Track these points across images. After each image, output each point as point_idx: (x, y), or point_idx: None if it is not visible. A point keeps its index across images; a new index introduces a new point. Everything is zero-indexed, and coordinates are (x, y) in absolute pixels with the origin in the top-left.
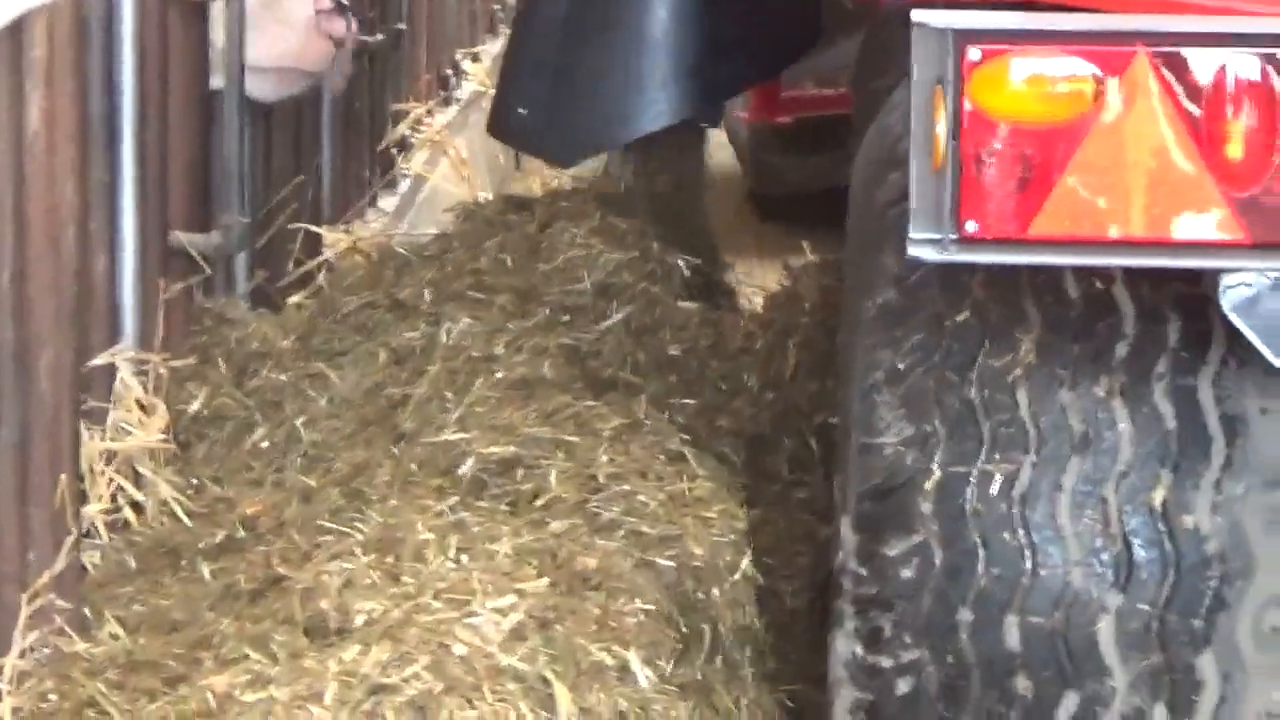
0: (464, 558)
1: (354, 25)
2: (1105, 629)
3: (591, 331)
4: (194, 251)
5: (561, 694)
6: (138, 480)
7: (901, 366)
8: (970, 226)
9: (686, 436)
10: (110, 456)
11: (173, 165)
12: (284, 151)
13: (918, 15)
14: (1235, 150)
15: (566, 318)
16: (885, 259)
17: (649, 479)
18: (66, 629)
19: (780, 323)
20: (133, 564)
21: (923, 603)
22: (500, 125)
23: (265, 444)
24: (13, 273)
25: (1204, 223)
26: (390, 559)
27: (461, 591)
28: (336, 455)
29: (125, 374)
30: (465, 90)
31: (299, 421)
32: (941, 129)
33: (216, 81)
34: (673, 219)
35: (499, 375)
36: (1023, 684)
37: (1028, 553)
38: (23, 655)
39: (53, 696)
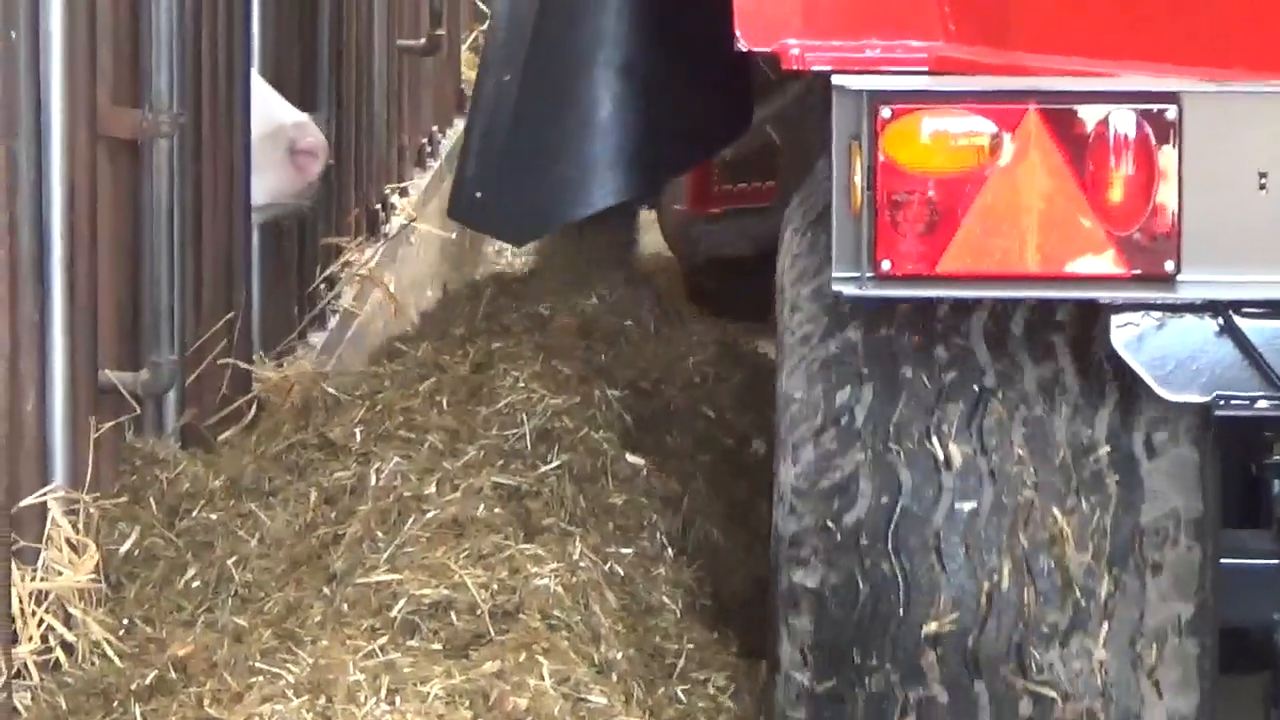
0: (396, 699)
1: (326, 158)
2: None
3: (529, 477)
4: (124, 390)
5: None
6: (68, 620)
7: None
8: (885, 265)
9: (623, 584)
10: (41, 597)
11: (102, 304)
12: (213, 288)
13: (837, 79)
14: (1116, 194)
15: (502, 461)
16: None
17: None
18: None
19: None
20: (64, 705)
21: None
22: (457, 206)
23: (196, 584)
24: None
25: (1090, 259)
26: (322, 700)
27: None
28: (268, 595)
29: (56, 514)
30: (394, 224)
31: (230, 561)
32: (859, 179)
33: None
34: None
35: (430, 515)
36: None
37: None
38: None
39: None
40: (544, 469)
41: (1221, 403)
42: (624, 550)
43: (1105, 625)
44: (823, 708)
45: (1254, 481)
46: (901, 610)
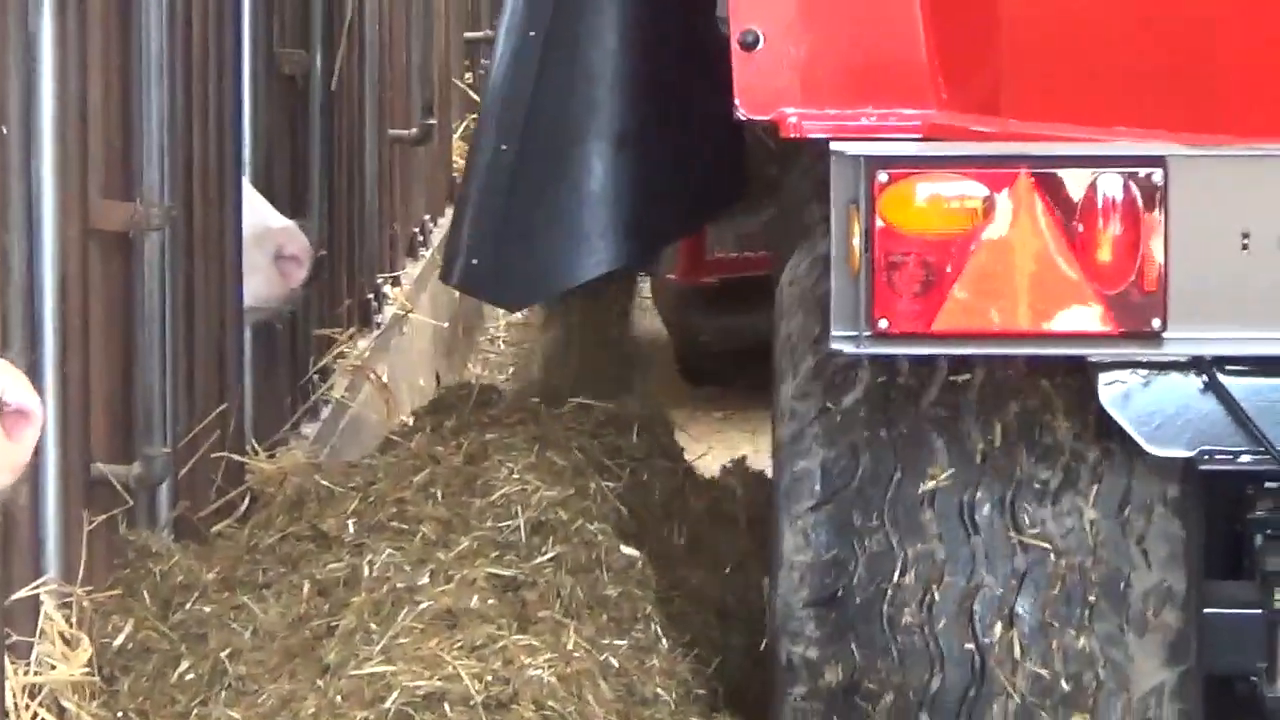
0: None
1: (311, 265)
2: None
3: (523, 568)
4: (116, 483)
5: None
6: (62, 714)
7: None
8: (882, 324)
9: (618, 675)
10: (35, 690)
11: (95, 397)
12: (206, 380)
13: (835, 145)
14: (1104, 254)
15: (496, 552)
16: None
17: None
18: None
19: None
20: None
21: None
22: (451, 272)
23: (190, 676)
24: None
25: (1080, 316)
26: None
27: None
28: (262, 688)
29: (49, 608)
30: (386, 314)
31: (224, 654)
32: (857, 241)
33: None
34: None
35: (423, 606)
36: None
37: None
38: None
39: None
40: (538, 560)
41: (1206, 457)
42: (618, 641)
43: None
44: None
45: (1238, 537)
46: None
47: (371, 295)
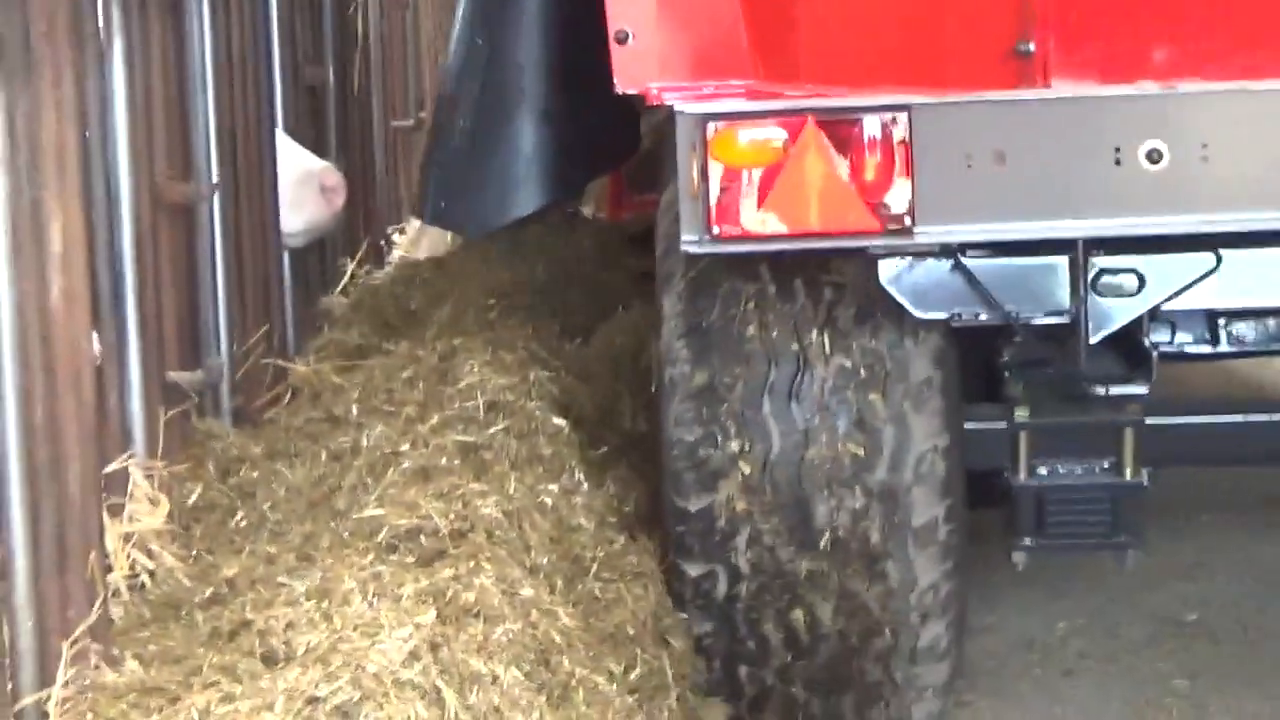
0: (377, 600)
1: (344, 193)
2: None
3: (480, 435)
4: (185, 386)
5: (449, 696)
6: (150, 554)
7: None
8: (716, 230)
9: (550, 508)
10: (128, 538)
11: (167, 325)
12: (255, 305)
13: (679, 106)
14: (869, 175)
15: (461, 425)
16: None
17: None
18: (101, 665)
19: None
20: (147, 614)
21: None
22: (425, 213)
23: (244, 524)
24: (44, 410)
25: (854, 218)
26: (325, 604)
27: (373, 625)
28: (292, 529)
29: (137, 477)
30: (393, 255)
31: (265, 506)
32: (695, 174)
33: None
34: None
35: (405, 465)
36: None
37: None
38: (65, 686)
39: (89, 717)
40: (492, 430)
41: (957, 317)
42: (551, 486)
43: None
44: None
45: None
46: None
47: (382, 242)
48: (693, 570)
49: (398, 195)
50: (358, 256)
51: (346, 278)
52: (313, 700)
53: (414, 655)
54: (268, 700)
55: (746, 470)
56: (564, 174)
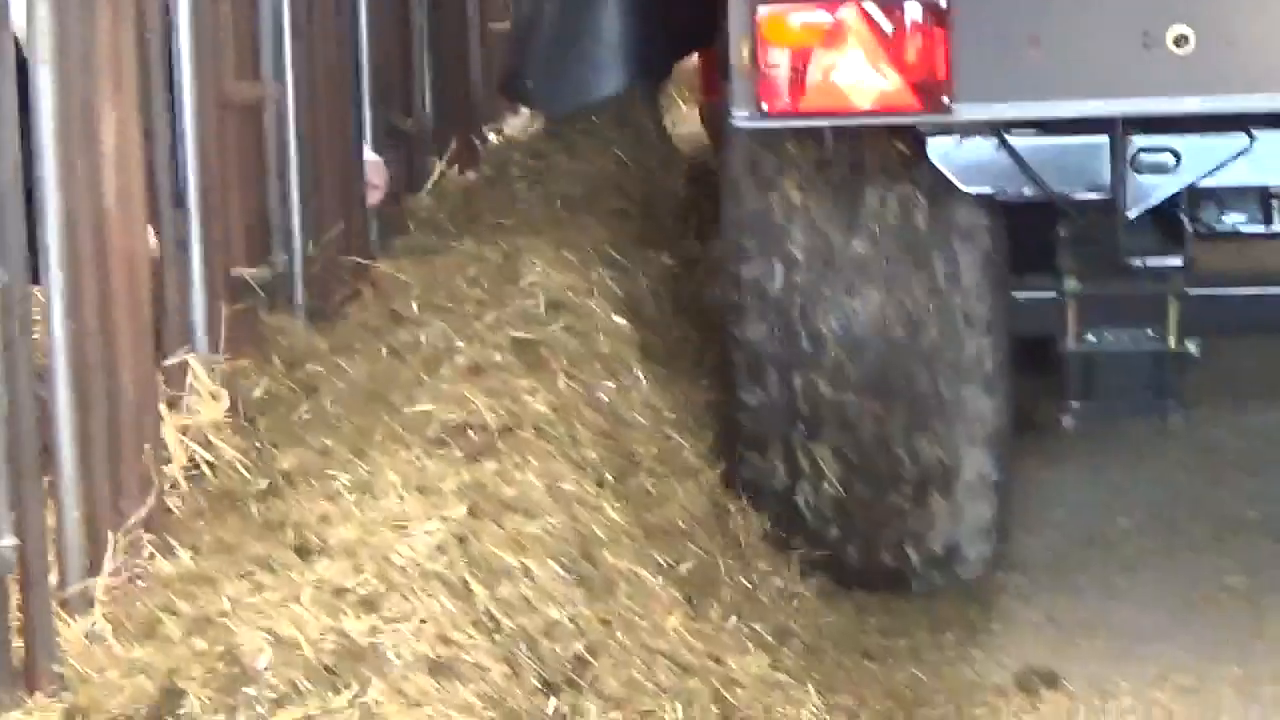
0: (418, 494)
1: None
2: None
3: (539, 332)
4: (252, 281)
5: (477, 588)
6: (209, 446)
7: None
8: (764, 106)
9: (605, 404)
10: (186, 430)
11: (234, 224)
12: (332, 205)
13: None
14: (910, 56)
15: (520, 322)
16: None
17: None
18: (156, 555)
19: None
20: (205, 506)
21: None
22: (511, 91)
23: (307, 417)
24: (97, 305)
25: (895, 97)
26: (366, 496)
27: (402, 519)
28: (348, 421)
29: (197, 371)
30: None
31: (326, 401)
32: (746, 54)
33: None
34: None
35: (459, 361)
36: None
37: None
38: (114, 575)
39: (139, 604)
40: (552, 328)
41: (1002, 192)
42: (607, 383)
43: None
44: None
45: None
46: None
47: (478, 140)
48: (748, 272)
49: (492, 92)
50: (445, 156)
51: (435, 176)
52: (339, 591)
53: (440, 549)
54: (295, 591)
55: None
56: (647, 56)
